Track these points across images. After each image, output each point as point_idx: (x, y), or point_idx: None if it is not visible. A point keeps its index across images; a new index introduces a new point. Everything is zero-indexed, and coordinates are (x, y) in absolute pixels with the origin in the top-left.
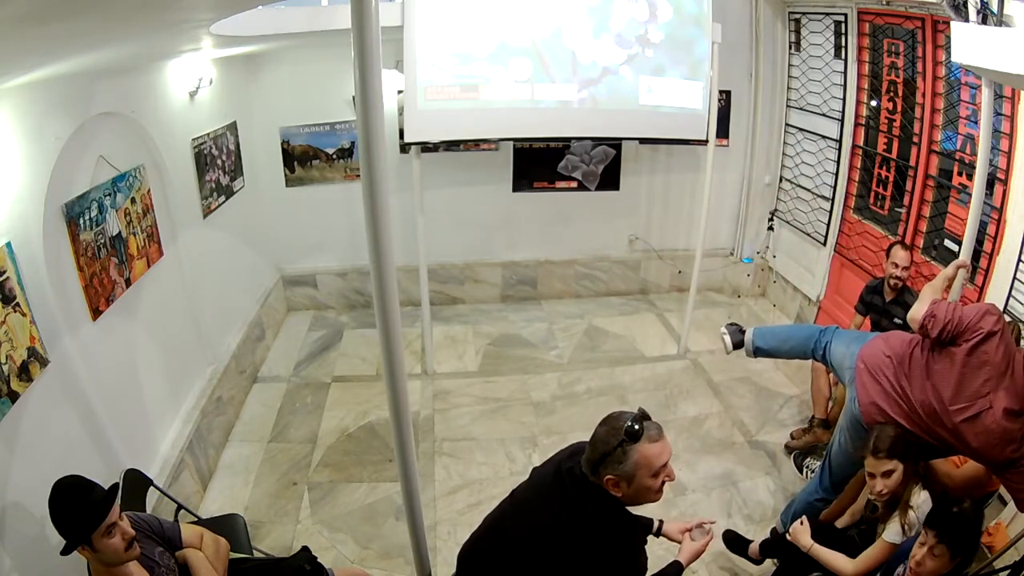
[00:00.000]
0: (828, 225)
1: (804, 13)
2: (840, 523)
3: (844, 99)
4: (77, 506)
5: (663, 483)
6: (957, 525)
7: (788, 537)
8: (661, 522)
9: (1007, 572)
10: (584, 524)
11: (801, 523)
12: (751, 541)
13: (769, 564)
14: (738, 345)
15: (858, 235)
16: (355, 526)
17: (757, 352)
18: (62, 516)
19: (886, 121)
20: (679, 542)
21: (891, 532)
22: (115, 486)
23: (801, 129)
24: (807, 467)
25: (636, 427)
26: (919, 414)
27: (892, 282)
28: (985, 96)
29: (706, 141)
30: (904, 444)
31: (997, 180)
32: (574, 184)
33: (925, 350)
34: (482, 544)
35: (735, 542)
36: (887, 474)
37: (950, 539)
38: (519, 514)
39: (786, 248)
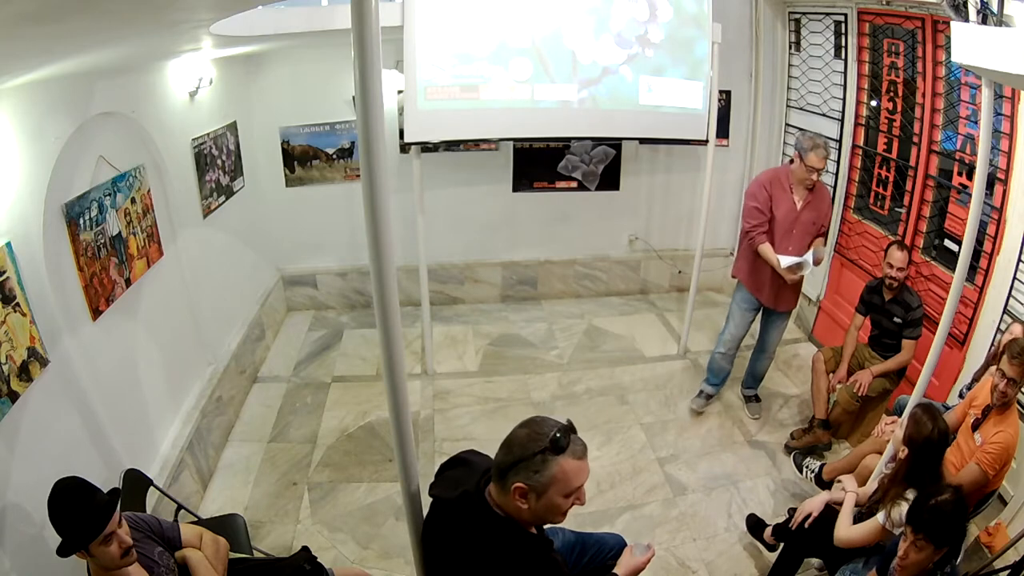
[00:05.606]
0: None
1: (804, 13)
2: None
3: (844, 99)
4: (76, 513)
5: (571, 506)
6: (933, 519)
7: (798, 511)
8: None
9: (1007, 572)
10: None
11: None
12: (769, 525)
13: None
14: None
15: (858, 235)
16: (355, 526)
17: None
18: (61, 521)
19: (886, 121)
20: None
21: (883, 514)
22: (115, 492)
23: (801, 129)
24: (807, 467)
25: (562, 439)
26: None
27: (888, 282)
28: (985, 96)
29: (706, 141)
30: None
31: (997, 180)
32: (574, 184)
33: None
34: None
35: (756, 526)
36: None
37: (928, 532)
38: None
39: None
